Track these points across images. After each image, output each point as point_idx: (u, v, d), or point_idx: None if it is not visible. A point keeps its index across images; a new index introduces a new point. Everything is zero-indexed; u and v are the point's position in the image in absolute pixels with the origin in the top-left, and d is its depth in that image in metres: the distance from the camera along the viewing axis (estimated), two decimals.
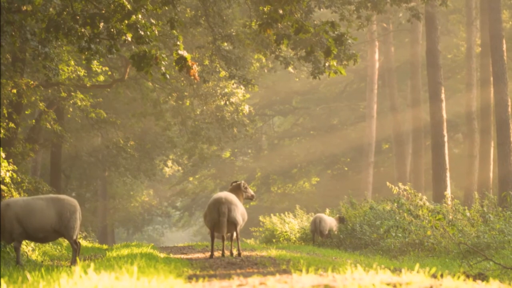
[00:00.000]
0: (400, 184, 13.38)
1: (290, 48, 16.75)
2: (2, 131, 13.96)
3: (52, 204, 8.94)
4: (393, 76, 30.89)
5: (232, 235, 10.01)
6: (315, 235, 15.71)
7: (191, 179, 40.79)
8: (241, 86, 20.74)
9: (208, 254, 10.45)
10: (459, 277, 5.39)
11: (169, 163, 35.66)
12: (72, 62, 17.04)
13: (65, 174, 26.67)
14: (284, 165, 38.40)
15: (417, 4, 21.11)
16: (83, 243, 15.76)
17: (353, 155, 37.20)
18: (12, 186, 12.87)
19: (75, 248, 8.96)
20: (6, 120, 14.84)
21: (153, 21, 10.39)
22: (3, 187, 12.01)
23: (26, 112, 20.21)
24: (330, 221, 15.81)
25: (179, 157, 33.33)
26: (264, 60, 23.03)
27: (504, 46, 20.70)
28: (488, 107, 23.68)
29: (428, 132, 27.16)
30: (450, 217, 13.25)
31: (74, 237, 8.96)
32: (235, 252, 9.97)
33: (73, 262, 8.78)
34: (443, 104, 21.86)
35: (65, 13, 10.06)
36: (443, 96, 21.95)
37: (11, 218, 8.77)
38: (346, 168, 38.67)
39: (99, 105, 23.39)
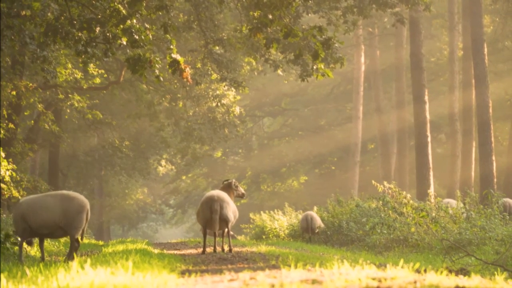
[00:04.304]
0: (385, 183, 13.54)
1: (279, 51, 16.89)
2: (2, 131, 14.10)
3: (60, 201, 8.89)
4: (378, 78, 31.06)
5: (223, 231, 10.18)
6: (305, 232, 16.11)
7: (184, 177, 40.89)
8: (232, 88, 20.89)
9: (200, 250, 10.52)
10: (442, 272, 5.40)
11: (163, 162, 35.81)
12: (70, 65, 17.17)
13: (63, 173, 26.84)
14: (273, 164, 38.57)
15: (402, 9, 21.35)
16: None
17: (340, 154, 37.44)
18: (12, 185, 13.07)
19: (76, 246, 8.97)
20: (6, 121, 14.98)
21: (147, 25, 10.59)
22: (3, 185, 12.25)
23: (25, 113, 20.31)
24: (318, 219, 16.29)
25: (172, 156, 33.50)
26: (254, 63, 23.30)
27: (485, 49, 20.86)
28: (470, 109, 23.76)
29: (412, 133, 27.53)
30: (433, 214, 13.19)
31: (76, 236, 8.93)
32: (226, 248, 10.19)
33: (71, 258, 8.85)
34: (427, 106, 21.96)
35: (62, 18, 10.28)
36: (426, 98, 22.06)
37: (17, 216, 8.94)
38: (333, 167, 38.86)
39: (95, 106, 23.53)
